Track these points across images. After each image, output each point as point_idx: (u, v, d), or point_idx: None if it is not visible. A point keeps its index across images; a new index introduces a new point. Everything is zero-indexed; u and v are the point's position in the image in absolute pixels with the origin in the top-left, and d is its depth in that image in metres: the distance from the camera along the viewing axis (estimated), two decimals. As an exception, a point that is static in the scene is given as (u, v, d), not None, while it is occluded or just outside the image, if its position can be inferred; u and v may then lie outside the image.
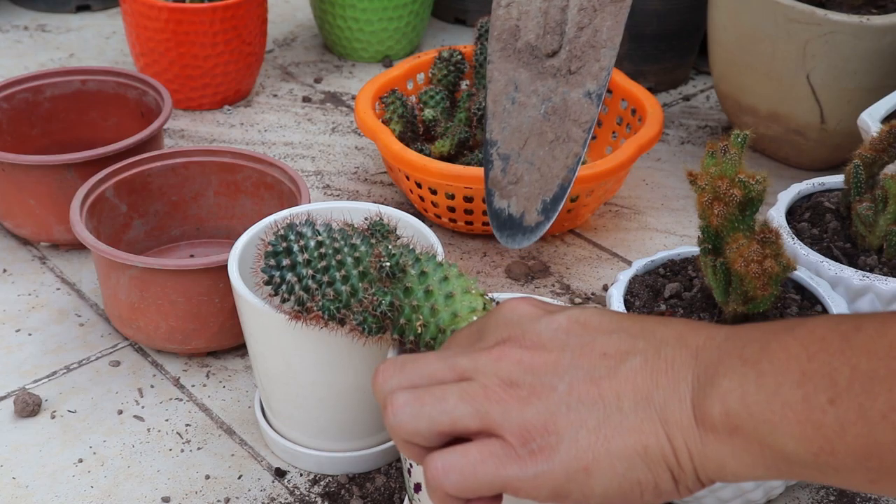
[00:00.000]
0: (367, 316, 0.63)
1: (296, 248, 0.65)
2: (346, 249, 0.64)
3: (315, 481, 0.77)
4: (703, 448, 0.48)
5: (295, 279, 0.64)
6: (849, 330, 0.46)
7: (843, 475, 0.46)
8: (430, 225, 1.03)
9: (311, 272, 0.64)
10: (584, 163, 1.00)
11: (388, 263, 0.62)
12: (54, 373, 0.86)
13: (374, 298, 0.62)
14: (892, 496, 0.47)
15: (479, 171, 0.94)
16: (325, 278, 0.64)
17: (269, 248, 0.65)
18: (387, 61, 1.35)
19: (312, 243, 0.64)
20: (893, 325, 0.45)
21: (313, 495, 0.76)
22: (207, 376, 0.87)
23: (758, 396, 0.46)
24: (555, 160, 0.76)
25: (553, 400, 0.50)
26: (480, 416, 0.51)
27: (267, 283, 0.66)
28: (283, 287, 0.65)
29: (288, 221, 0.66)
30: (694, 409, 0.48)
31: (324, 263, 0.64)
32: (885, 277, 0.77)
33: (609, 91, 1.09)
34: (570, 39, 0.80)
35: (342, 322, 0.64)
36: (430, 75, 1.12)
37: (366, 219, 0.68)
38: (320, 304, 0.64)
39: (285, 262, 0.65)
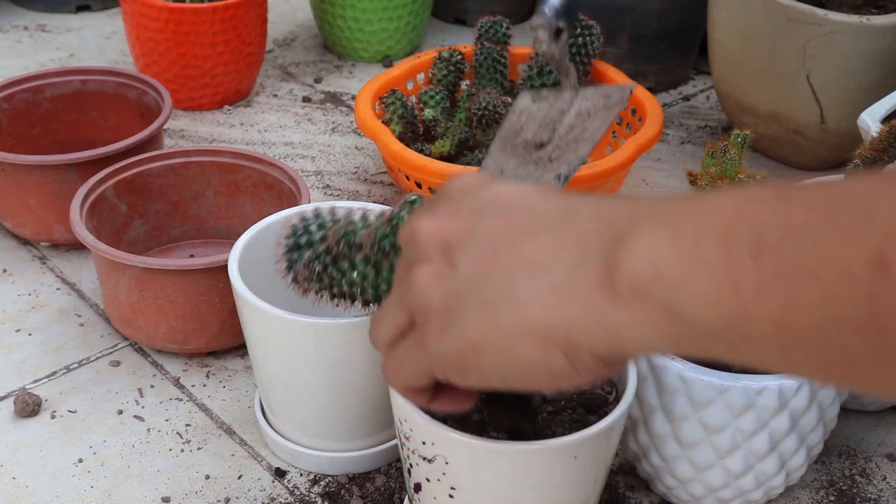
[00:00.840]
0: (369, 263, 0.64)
1: (314, 226, 0.66)
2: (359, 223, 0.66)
3: (315, 481, 0.77)
4: (601, 317, 0.44)
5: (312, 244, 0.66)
6: (789, 189, 0.41)
7: (755, 347, 0.40)
8: (430, 225, 1.02)
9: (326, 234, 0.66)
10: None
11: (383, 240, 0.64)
12: (54, 373, 0.86)
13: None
14: (801, 375, 0.42)
15: (478, 171, 0.94)
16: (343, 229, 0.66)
17: (291, 231, 0.67)
18: (387, 61, 1.35)
19: (328, 218, 0.66)
20: (837, 183, 0.40)
21: (313, 495, 0.76)
22: (207, 376, 0.87)
23: (670, 255, 0.42)
24: None
25: (453, 278, 0.48)
26: (407, 312, 0.51)
27: (288, 246, 0.66)
28: (303, 237, 0.66)
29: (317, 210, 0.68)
30: (596, 277, 0.44)
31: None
32: (885, 277, 0.77)
33: (609, 91, 1.10)
34: (561, 136, 0.87)
35: (353, 267, 0.64)
36: (430, 75, 1.12)
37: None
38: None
39: (304, 239, 0.66)
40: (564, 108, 0.88)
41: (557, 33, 0.99)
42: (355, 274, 0.65)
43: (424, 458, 0.64)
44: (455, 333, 0.48)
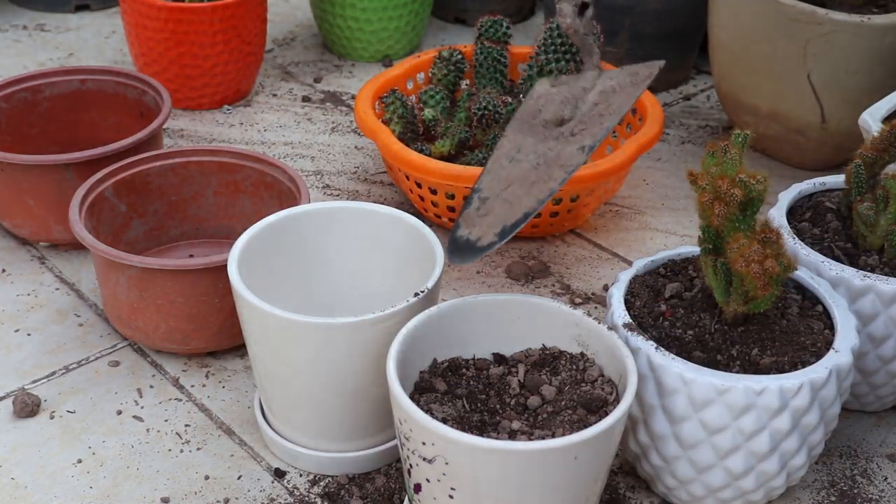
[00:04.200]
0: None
1: None
2: None
3: (315, 481, 0.77)
4: None
5: None
6: None
7: None
8: (430, 225, 1.02)
9: None
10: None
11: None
12: (53, 373, 0.86)
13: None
14: None
15: (479, 170, 0.94)
16: None
17: None
18: (387, 61, 1.35)
19: None
20: None
21: (313, 495, 0.76)
22: (207, 376, 0.86)
23: None
24: (529, 196, 0.79)
25: None
26: None
27: None
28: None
29: None
30: None
31: None
32: (886, 277, 0.77)
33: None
34: (583, 112, 0.87)
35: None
36: (430, 75, 1.12)
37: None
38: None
39: None
40: (587, 86, 0.87)
41: (582, 8, 0.98)
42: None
43: (424, 459, 0.64)
44: None
